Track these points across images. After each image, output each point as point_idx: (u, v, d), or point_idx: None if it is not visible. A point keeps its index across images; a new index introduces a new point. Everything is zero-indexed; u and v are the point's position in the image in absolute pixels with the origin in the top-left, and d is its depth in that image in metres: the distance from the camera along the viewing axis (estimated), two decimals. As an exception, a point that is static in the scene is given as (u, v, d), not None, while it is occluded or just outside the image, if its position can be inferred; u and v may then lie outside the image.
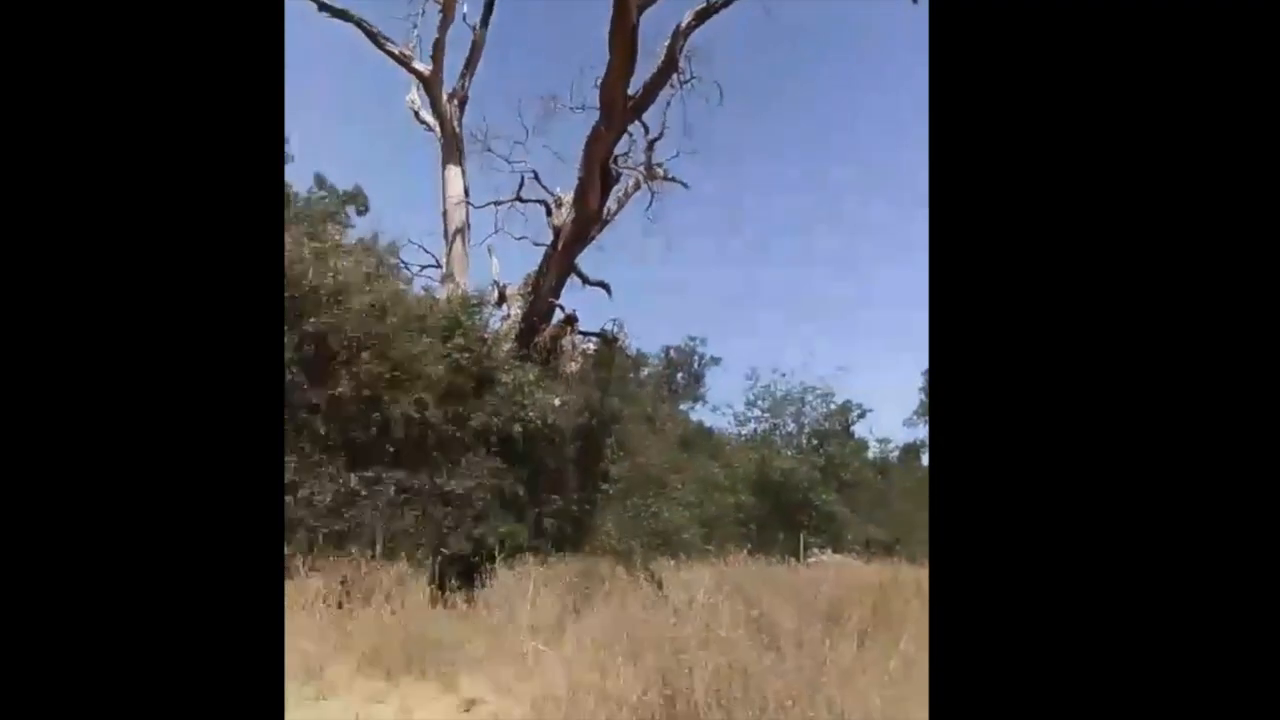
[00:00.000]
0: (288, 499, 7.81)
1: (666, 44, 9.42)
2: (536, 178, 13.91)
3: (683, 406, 27.19)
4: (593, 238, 12.51)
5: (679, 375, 29.43)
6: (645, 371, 29.11)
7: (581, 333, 11.37)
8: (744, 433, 19.43)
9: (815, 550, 16.62)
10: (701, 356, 29.96)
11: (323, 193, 15.50)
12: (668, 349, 29.21)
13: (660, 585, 7.76)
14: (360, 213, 20.94)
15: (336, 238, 12.38)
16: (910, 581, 8.08)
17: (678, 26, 9.27)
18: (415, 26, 13.14)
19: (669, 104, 13.15)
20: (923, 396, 23.09)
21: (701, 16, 9.33)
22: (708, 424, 24.63)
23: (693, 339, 29.57)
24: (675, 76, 10.98)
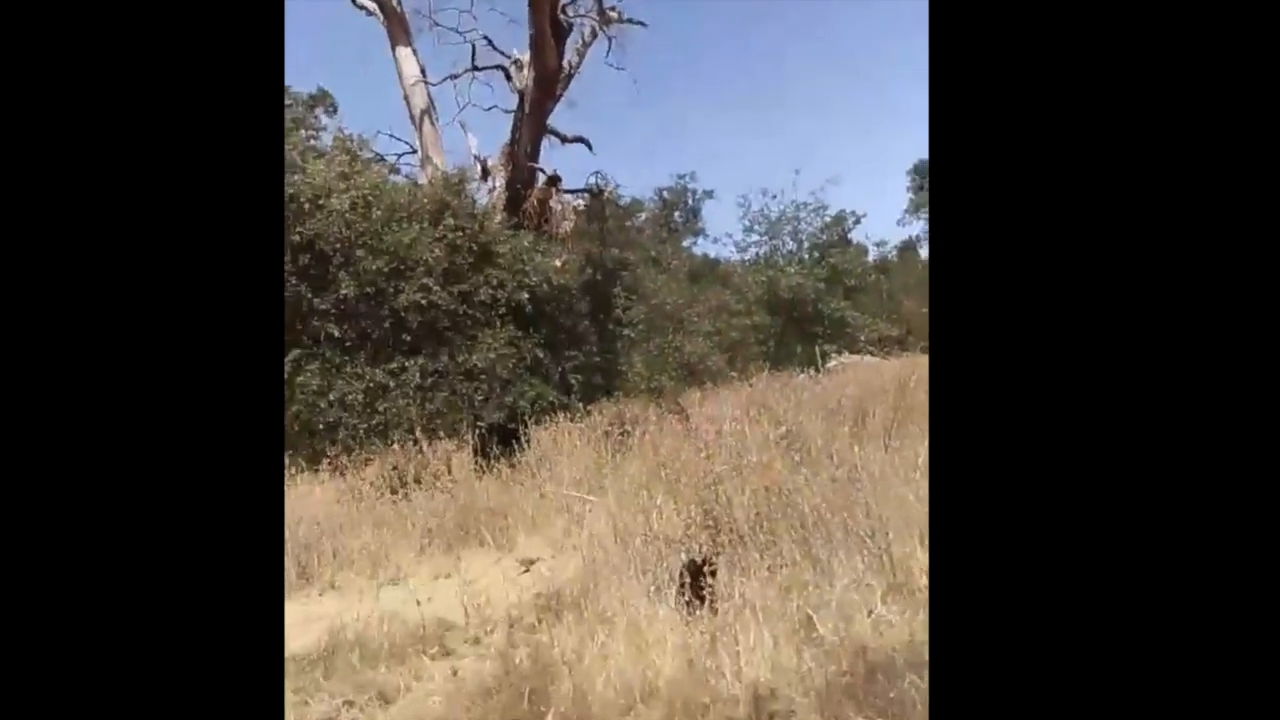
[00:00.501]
0: (321, 403, 8.11)
1: None
2: (490, 43, 13.14)
3: (685, 243, 27.10)
4: (560, 94, 11.96)
5: (675, 214, 29.10)
6: (642, 216, 28.80)
7: (568, 191, 11.13)
8: (747, 258, 19.43)
9: (833, 355, 17.11)
10: (694, 192, 29.58)
11: (288, 100, 14.59)
12: (660, 190, 28.77)
13: (688, 418, 8.12)
14: (330, 113, 19.96)
15: (312, 143, 11.90)
16: (924, 371, 8.32)
17: None
18: None
19: None
20: (911, 195, 22.74)
21: None
22: (712, 255, 24.62)
23: (681, 176, 29.18)
24: None
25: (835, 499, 4.34)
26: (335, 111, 18.81)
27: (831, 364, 16.74)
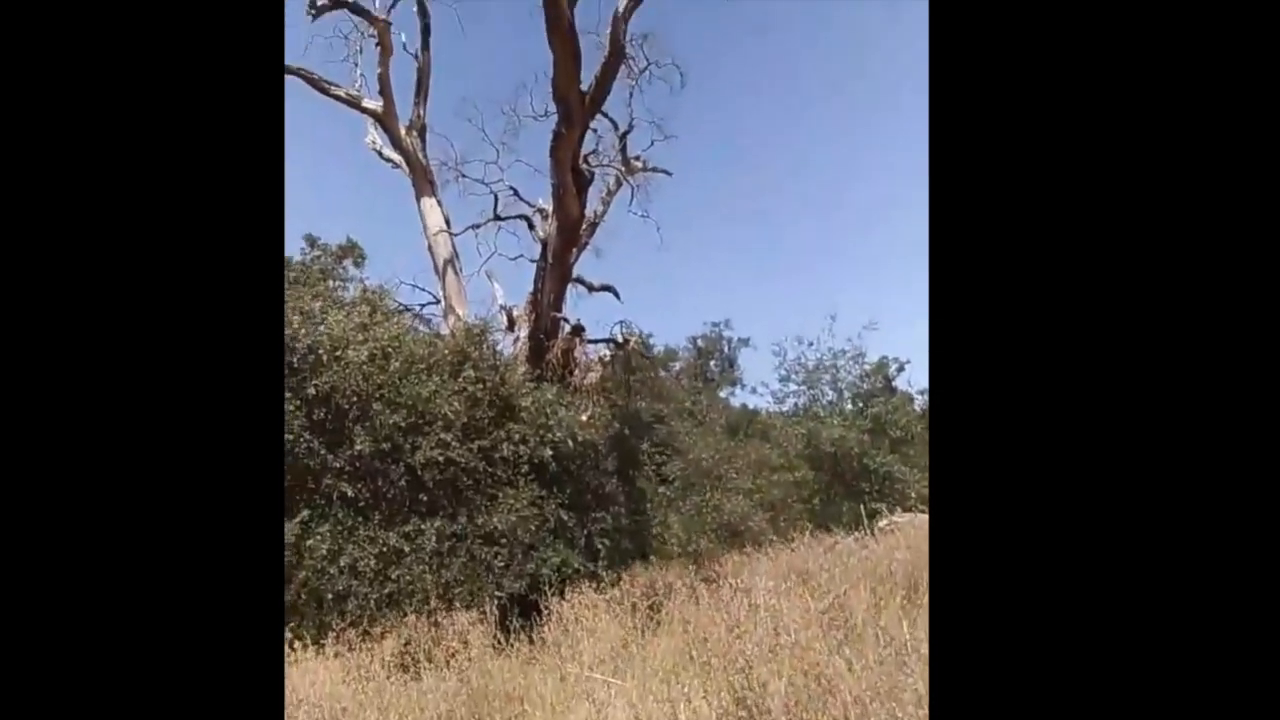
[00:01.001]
0: (330, 569, 7.58)
1: (609, 32, 9.03)
2: (516, 193, 13.65)
3: (722, 394, 26.75)
4: (586, 243, 12.16)
5: (711, 363, 28.98)
6: (677, 366, 28.77)
7: (594, 341, 10.98)
8: (785, 409, 18.93)
9: (885, 513, 16.10)
10: (730, 340, 29.46)
11: (316, 251, 15.23)
12: (694, 338, 28.80)
13: (725, 586, 7.40)
14: (358, 264, 20.75)
15: (339, 293, 12.14)
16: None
17: (615, 13, 8.84)
18: (356, 65, 12.89)
19: (632, 94, 12.86)
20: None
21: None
22: (751, 405, 24.13)
23: (716, 324, 29.06)
24: (627, 65, 10.59)
25: (881, 684, 3.74)
26: (363, 262, 19.44)
27: (884, 523, 15.73)
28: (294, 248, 15.47)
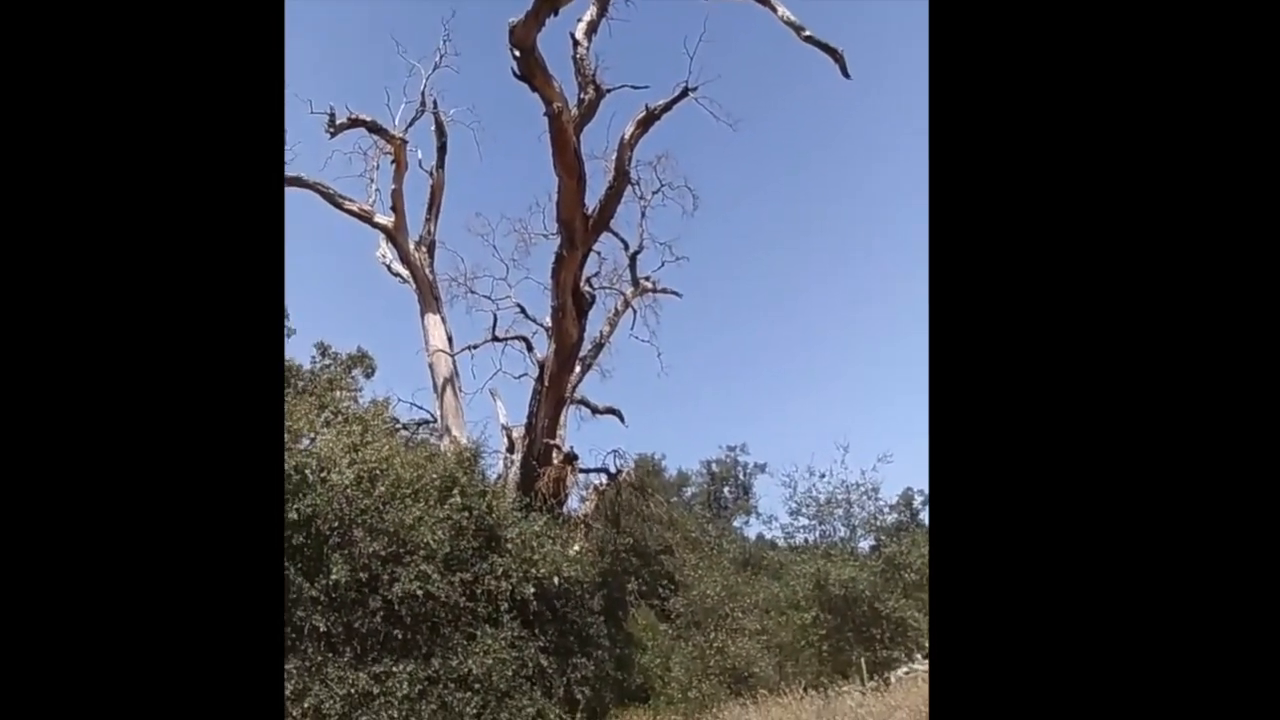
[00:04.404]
0: (293, 712, 7.12)
1: (614, 157, 9.38)
2: (523, 311, 13.82)
3: (736, 523, 25.78)
4: (590, 364, 12.16)
5: (725, 489, 28.08)
6: (689, 491, 27.86)
7: (585, 470, 10.74)
8: (795, 543, 18.19)
9: (903, 660, 15.04)
10: (745, 466, 28.50)
11: (326, 360, 15.33)
12: (708, 463, 27.95)
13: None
14: (368, 375, 20.77)
15: (347, 405, 12.07)
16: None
17: (622, 138, 9.22)
18: (372, 181, 13.42)
19: (643, 215, 13.26)
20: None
21: (643, 125, 9.26)
22: (768, 537, 23.09)
23: (732, 448, 28.08)
24: (635, 189, 10.94)
25: None
26: (374, 373, 19.45)
27: (902, 671, 14.66)
28: (304, 355, 15.60)
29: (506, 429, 11.78)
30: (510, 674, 7.45)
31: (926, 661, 15.58)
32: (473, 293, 14.04)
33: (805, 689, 9.31)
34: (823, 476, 18.27)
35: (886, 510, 18.20)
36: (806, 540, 17.81)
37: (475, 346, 13.14)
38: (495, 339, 13.13)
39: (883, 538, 17.08)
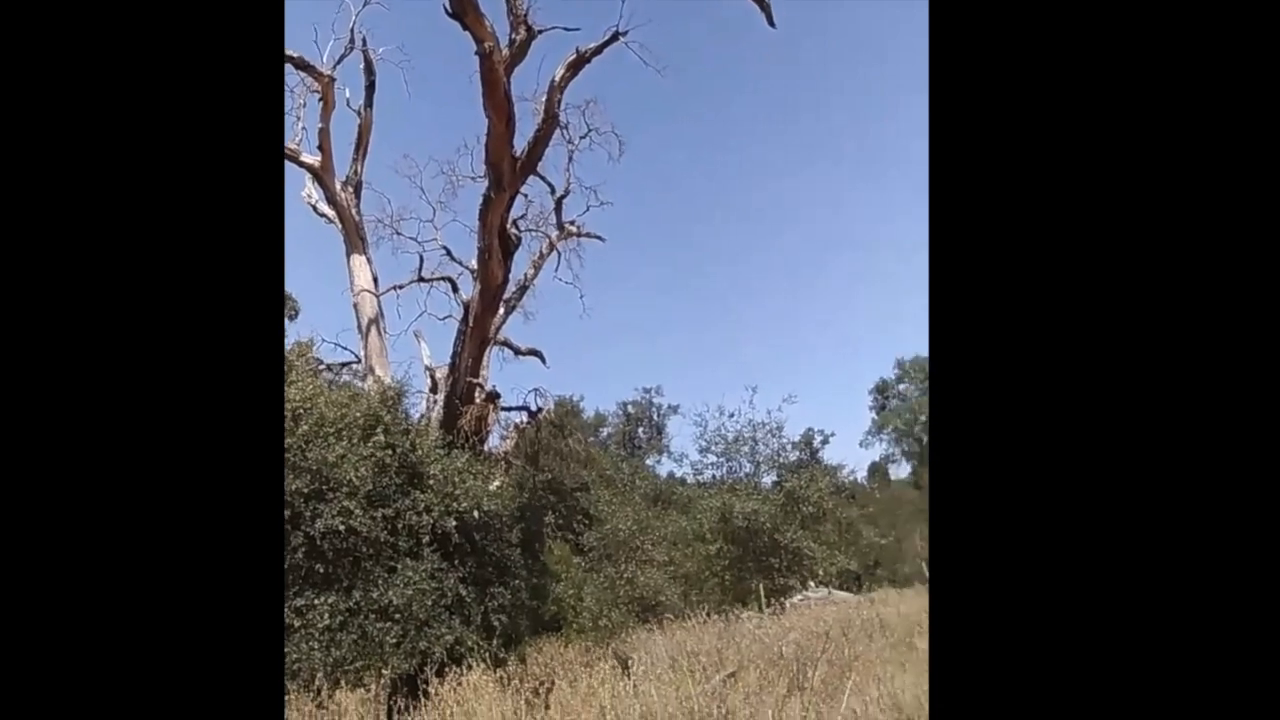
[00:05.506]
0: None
1: (544, 99, 9.35)
2: (449, 253, 13.72)
3: (649, 462, 26.68)
4: (514, 306, 12.25)
5: (640, 430, 28.95)
6: (605, 431, 28.55)
7: (506, 408, 10.98)
8: (703, 479, 19.10)
9: (798, 589, 16.22)
10: (659, 407, 29.46)
11: None
12: (625, 404, 28.73)
13: (626, 666, 7.36)
14: (291, 317, 20.21)
15: None
16: (872, 616, 7.79)
17: (552, 81, 9.18)
18: (299, 119, 12.87)
19: (571, 160, 13.24)
20: (874, 415, 23.02)
21: (574, 68, 9.22)
22: (678, 474, 24.07)
23: (648, 390, 29.01)
24: (564, 132, 10.91)
25: None
26: (296, 316, 18.95)
27: (797, 598, 15.83)
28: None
29: (430, 369, 11.82)
30: (430, 604, 7.76)
31: (820, 589, 16.86)
32: (399, 234, 13.82)
33: (708, 615, 10.02)
34: (731, 416, 19.20)
35: (789, 448, 19.35)
36: (714, 477, 18.81)
37: (401, 287, 13.01)
38: (421, 280, 13.02)
39: (784, 474, 18.19)
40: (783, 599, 14.78)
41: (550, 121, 9.39)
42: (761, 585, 13.22)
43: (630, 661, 7.48)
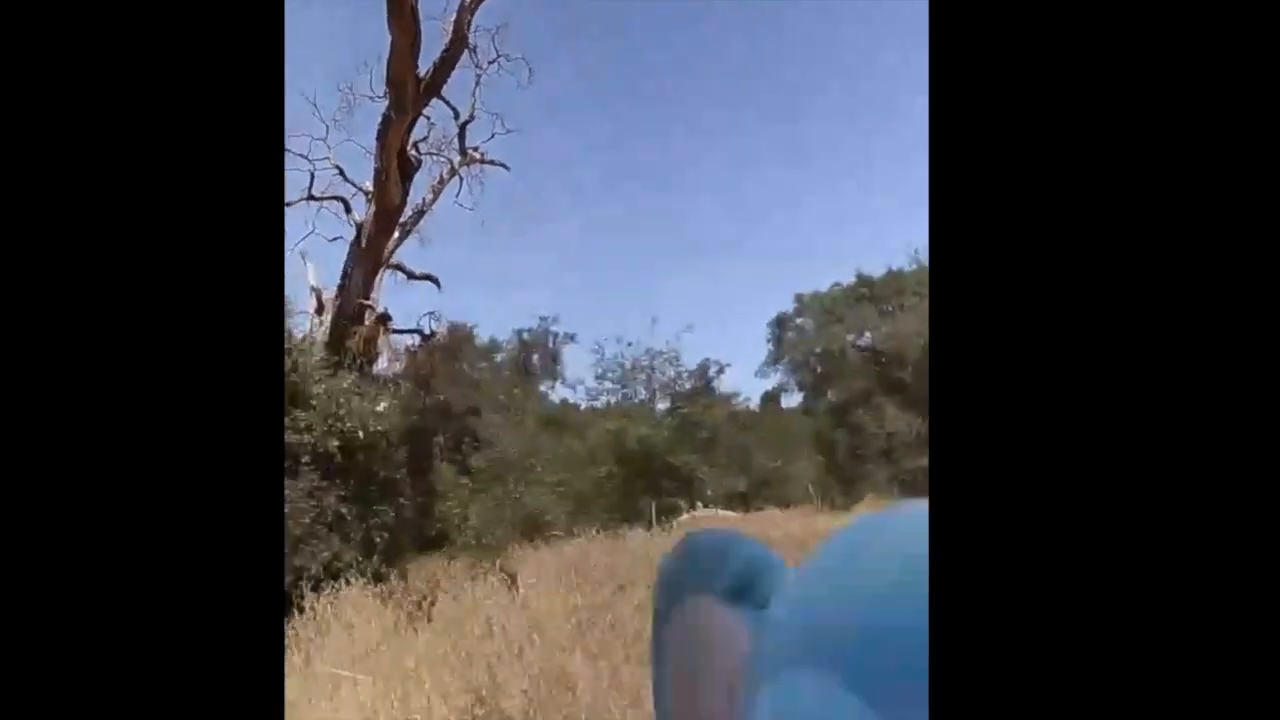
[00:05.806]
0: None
1: (453, 20, 8.79)
2: (342, 173, 12.89)
3: (542, 388, 26.64)
4: (410, 229, 11.73)
5: (534, 357, 28.81)
6: (499, 358, 28.27)
7: (398, 331, 10.60)
8: (598, 405, 19.28)
9: (685, 510, 16.80)
10: (555, 335, 29.39)
11: None
12: (520, 332, 28.46)
13: (514, 581, 7.42)
14: None
15: None
16: (757, 533, 8.07)
17: (462, 2, 8.63)
18: None
19: (477, 85, 12.56)
20: (771, 346, 23.70)
21: (485, -11, 8.73)
22: (572, 401, 24.20)
23: (544, 319, 28.87)
24: (472, 56, 10.37)
25: (629, 683, 3.89)
26: None
27: (683, 518, 16.40)
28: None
29: (316, 290, 11.17)
30: (307, 521, 7.53)
31: (708, 509, 17.52)
32: (289, 151, 12.72)
33: (597, 532, 10.21)
34: (630, 345, 19.32)
35: (685, 376, 19.71)
36: (609, 403, 19.02)
37: (289, 204, 12.07)
38: (312, 198, 12.14)
39: (680, 400, 18.60)
40: (672, 518, 15.28)
41: (458, 43, 8.91)
42: (653, 505, 13.57)
43: (517, 576, 7.53)
